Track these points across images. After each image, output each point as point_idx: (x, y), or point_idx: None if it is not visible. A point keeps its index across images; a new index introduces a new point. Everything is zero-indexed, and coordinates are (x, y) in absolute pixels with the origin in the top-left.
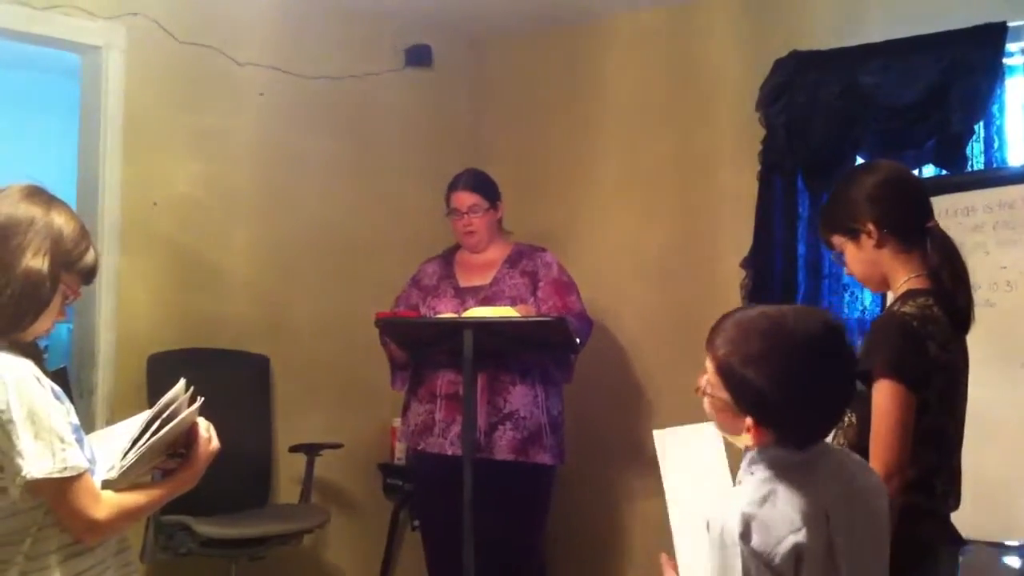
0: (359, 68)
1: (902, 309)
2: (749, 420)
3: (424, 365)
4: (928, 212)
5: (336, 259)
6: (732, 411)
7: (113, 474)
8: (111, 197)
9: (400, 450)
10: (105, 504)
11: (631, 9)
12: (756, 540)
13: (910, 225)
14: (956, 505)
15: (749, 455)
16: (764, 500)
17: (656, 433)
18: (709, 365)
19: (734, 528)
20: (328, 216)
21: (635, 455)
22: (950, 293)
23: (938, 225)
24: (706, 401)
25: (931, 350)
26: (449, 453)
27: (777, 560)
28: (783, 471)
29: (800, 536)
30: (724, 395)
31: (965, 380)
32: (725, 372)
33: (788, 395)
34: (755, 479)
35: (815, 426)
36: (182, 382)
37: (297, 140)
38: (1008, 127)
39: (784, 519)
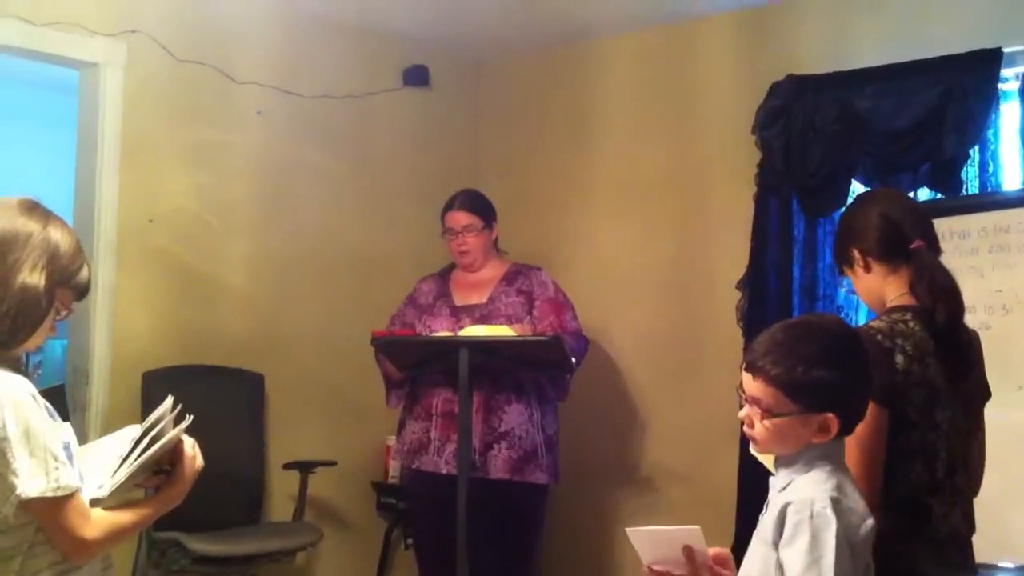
0: (357, 88)
1: (870, 323)
2: (827, 416)
3: (420, 383)
4: (911, 233)
5: (332, 277)
6: (799, 423)
7: (103, 492)
8: (108, 213)
9: (394, 468)
10: (95, 524)
11: (628, 30)
12: (842, 521)
13: (892, 248)
14: (967, 528)
15: (805, 453)
16: (839, 487)
17: (629, 531)
18: (760, 388)
19: (826, 508)
20: (325, 234)
21: (629, 474)
22: (927, 308)
23: (923, 246)
24: (762, 428)
25: (898, 362)
26: (444, 472)
27: (858, 540)
28: (838, 464)
29: (871, 522)
30: (791, 407)
31: (956, 397)
32: (789, 384)
33: (855, 380)
34: (822, 471)
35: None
36: (169, 399)
37: (295, 159)
38: (1003, 152)
39: (858, 505)
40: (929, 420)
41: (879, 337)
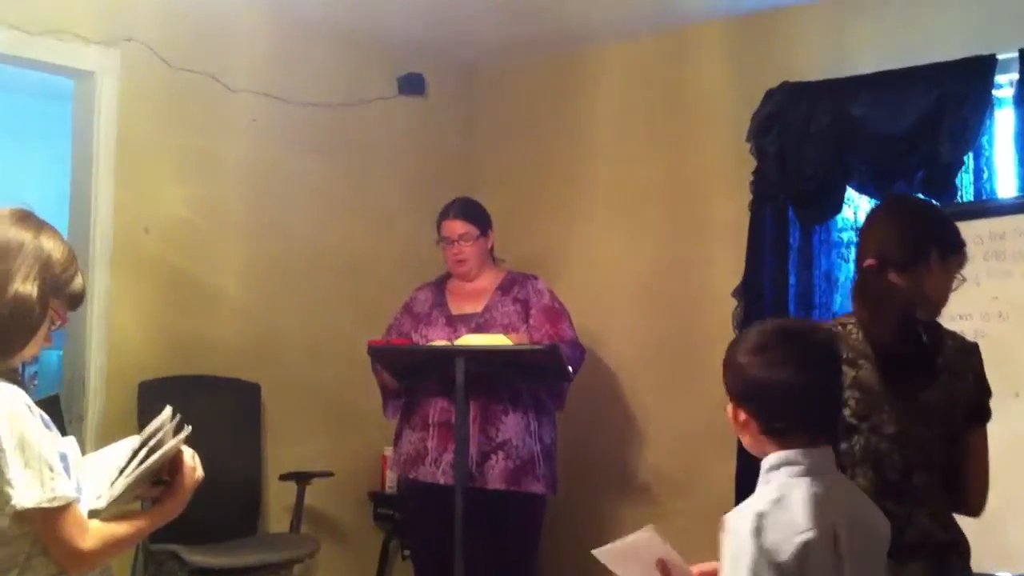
0: (352, 95)
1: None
2: (746, 410)
3: (416, 393)
4: (868, 252)
5: (328, 285)
6: (735, 416)
7: (101, 503)
8: (103, 222)
9: (391, 479)
10: (92, 535)
11: (622, 38)
12: (767, 538)
13: (859, 264)
14: (947, 534)
15: (766, 465)
16: (777, 502)
17: (596, 552)
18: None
19: (747, 525)
20: (320, 242)
21: (627, 483)
22: (863, 322)
23: (875, 266)
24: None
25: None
26: (441, 482)
27: (784, 558)
28: (795, 478)
29: (807, 536)
30: (728, 394)
31: (902, 402)
32: (724, 369)
33: (771, 376)
34: (772, 485)
35: (809, 421)
36: (168, 410)
37: (290, 166)
38: (997, 158)
39: (794, 521)
40: (868, 423)
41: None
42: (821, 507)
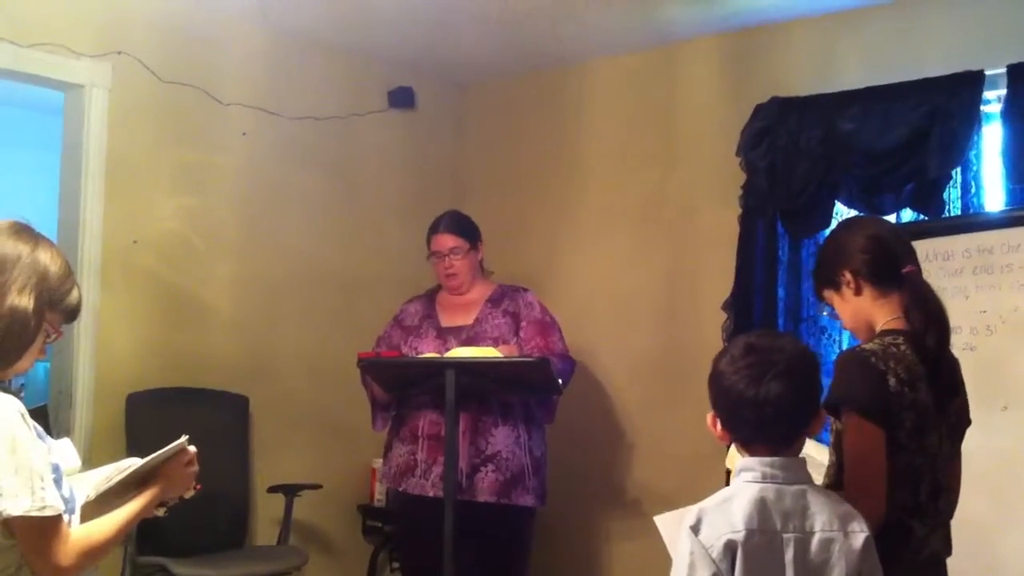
0: (343, 109)
1: (864, 345)
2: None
3: (406, 406)
4: (903, 258)
5: (317, 298)
6: (712, 421)
7: (91, 494)
8: (92, 234)
9: (380, 491)
10: (72, 548)
11: (613, 53)
12: (702, 534)
13: (884, 271)
14: (946, 550)
15: (736, 470)
16: (723, 501)
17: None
18: None
19: (689, 520)
20: (310, 255)
21: (616, 496)
22: (919, 333)
23: (915, 271)
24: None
25: (891, 384)
26: (431, 495)
27: (715, 554)
28: (748, 483)
29: (735, 536)
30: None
31: (943, 422)
32: (711, 399)
33: (727, 384)
34: (733, 484)
35: (756, 431)
36: (184, 438)
37: (280, 180)
38: (985, 173)
39: (729, 519)
40: (918, 443)
41: (873, 359)
42: (762, 512)
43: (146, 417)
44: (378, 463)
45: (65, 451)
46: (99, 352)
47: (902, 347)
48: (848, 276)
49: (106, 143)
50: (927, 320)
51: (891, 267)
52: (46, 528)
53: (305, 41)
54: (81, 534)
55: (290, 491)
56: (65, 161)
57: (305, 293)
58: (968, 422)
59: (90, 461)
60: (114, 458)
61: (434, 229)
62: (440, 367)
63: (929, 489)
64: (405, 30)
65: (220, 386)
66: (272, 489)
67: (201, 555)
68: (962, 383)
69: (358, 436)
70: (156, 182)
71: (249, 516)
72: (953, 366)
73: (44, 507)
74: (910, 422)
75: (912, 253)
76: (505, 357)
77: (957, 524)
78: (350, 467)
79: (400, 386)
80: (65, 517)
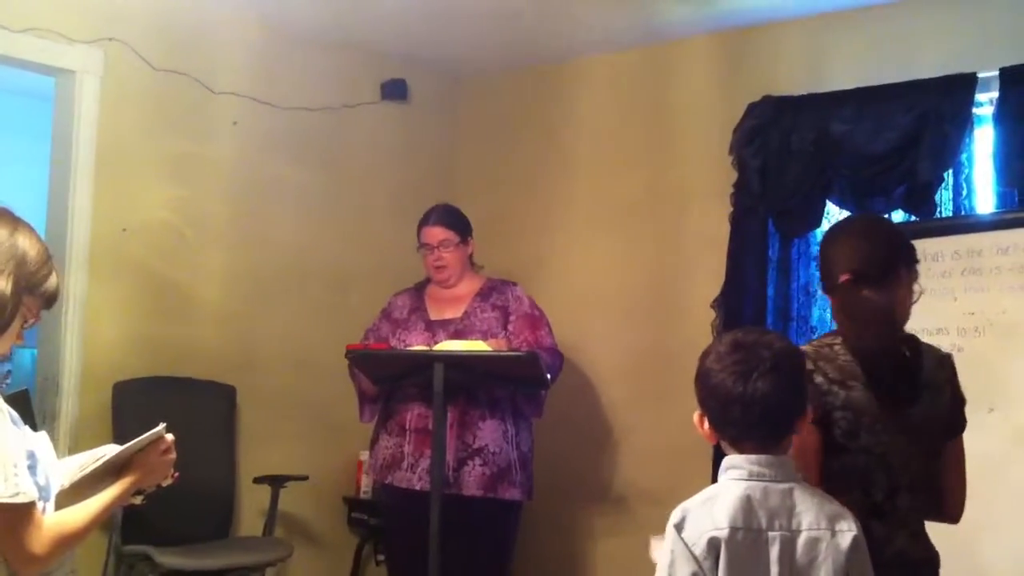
0: (335, 100)
1: (802, 346)
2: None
3: (394, 398)
4: (840, 268)
5: (307, 290)
6: (698, 419)
7: (65, 483)
8: (81, 222)
9: (366, 484)
10: (44, 536)
11: (606, 51)
12: (687, 531)
13: (827, 281)
14: (920, 551)
15: (722, 468)
16: (708, 499)
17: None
18: None
19: (673, 518)
20: (300, 246)
21: (603, 492)
22: (849, 338)
23: (850, 280)
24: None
25: (819, 383)
26: (417, 488)
27: (698, 551)
28: (734, 481)
29: (718, 533)
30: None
31: (897, 422)
32: (697, 397)
33: (708, 380)
34: (719, 482)
35: (744, 429)
36: (162, 426)
37: (271, 170)
38: (976, 175)
39: (713, 517)
40: (856, 443)
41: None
42: (747, 510)
43: (133, 406)
44: (365, 455)
45: (40, 445)
46: (87, 340)
47: (836, 348)
48: (823, 282)
49: (96, 130)
50: (854, 327)
51: (828, 277)
52: (19, 515)
53: (298, 31)
54: (55, 522)
55: (276, 482)
56: (55, 148)
57: (295, 284)
58: (955, 422)
59: (76, 448)
60: (100, 446)
61: (425, 221)
62: (428, 360)
63: (885, 489)
64: (399, 22)
65: (208, 376)
66: (258, 480)
67: (186, 545)
68: (938, 384)
69: (345, 428)
70: (146, 170)
71: (235, 506)
72: (916, 367)
73: (17, 493)
74: (845, 422)
75: (867, 257)
76: (494, 351)
77: (943, 527)
78: (337, 459)
79: (388, 378)
80: (39, 505)
